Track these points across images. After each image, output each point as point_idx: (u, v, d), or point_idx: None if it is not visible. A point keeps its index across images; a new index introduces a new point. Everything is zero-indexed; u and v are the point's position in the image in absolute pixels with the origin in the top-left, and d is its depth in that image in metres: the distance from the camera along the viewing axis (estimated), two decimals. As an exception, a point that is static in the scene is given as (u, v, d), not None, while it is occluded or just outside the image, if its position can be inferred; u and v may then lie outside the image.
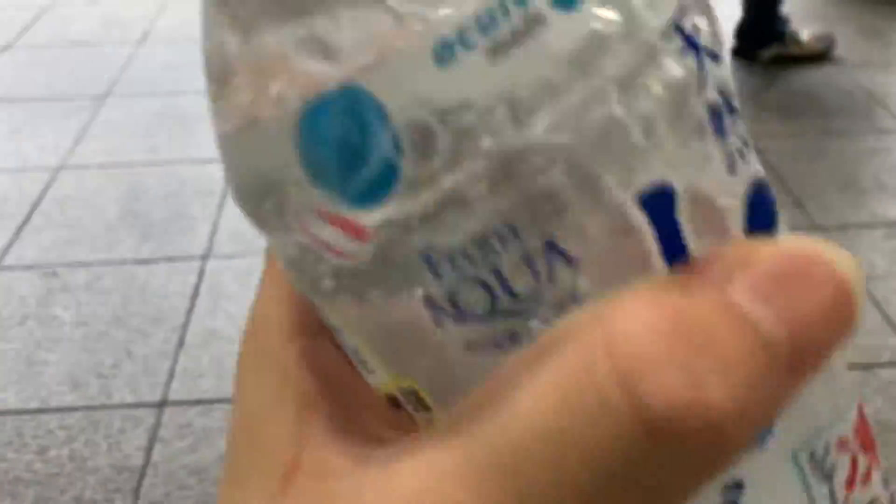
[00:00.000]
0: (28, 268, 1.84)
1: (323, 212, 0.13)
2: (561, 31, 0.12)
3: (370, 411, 0.16)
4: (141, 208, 2.04)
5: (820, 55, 2.68)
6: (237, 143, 0.15)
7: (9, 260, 1.86)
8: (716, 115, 0.13)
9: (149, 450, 1.41)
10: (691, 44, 0.13)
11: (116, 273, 1.83)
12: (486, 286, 0.13)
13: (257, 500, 0.15)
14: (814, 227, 1.93)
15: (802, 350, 0.12)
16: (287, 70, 0.13)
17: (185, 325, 1.68)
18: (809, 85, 2.58)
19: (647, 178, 0.13)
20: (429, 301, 0.13)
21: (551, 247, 0.12)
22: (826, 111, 2.43)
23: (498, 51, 0.12)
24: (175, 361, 1.59)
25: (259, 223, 0.15)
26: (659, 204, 0.13)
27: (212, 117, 0.16)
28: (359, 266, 0.13)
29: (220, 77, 0.16)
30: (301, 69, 0.13)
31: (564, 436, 0.11)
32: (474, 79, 0.12)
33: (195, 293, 1.76)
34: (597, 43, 0.12)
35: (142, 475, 1.37)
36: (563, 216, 0.12)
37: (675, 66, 0.13)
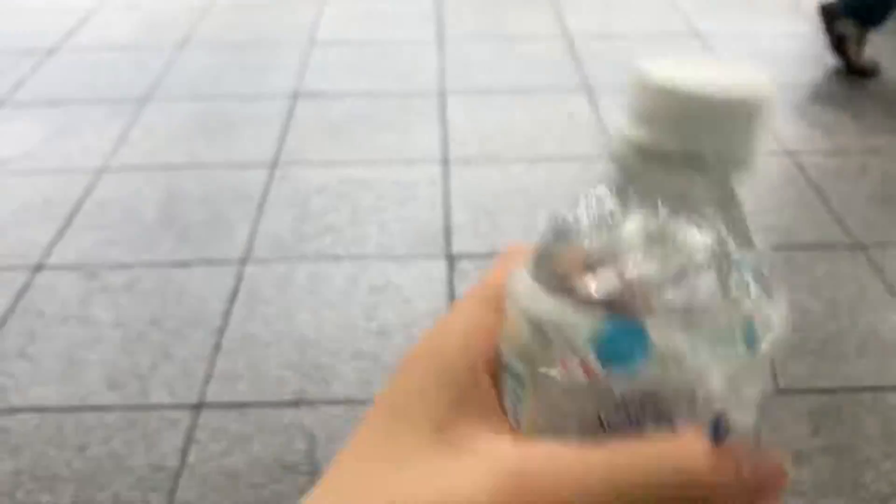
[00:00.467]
0: (70, 268, 1.87)
1: (585, 361, 0.22)
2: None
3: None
4: (180, 211, 2.06)
5: (864, 72, 2.67)
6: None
7: (51, 260, 1.89)
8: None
9: (184, 451, 1.43)
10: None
11: (155, 275, 1.85)
12: (628, 417, 0.23)
13: (412, 444, 0.23)
14: (855, 246, 1.90)
15: (760, 488, 0.23)
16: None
17: (222, 329, 1.69)
18: (853, 102, 2.55)
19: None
20: (600, 418, 0.23)
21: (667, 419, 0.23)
22: (870, 129, 2.40)
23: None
24: (212, 364, 1.60)
25: (534, 342, 0.24)
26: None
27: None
28: (569, 387, 0.23)
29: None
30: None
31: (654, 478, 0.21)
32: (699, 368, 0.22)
33: (233, 297, 1.77)
34: None
35: (177, 476, 1.38)
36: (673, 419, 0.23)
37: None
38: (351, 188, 2.13)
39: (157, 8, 3.33)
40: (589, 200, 0.23)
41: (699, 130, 0.22)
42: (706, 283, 0.22)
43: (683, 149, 0.22)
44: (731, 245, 0.22)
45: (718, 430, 0.23)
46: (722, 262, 0.22)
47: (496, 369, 0.25)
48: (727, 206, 0.23)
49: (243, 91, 2.63)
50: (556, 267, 0.23)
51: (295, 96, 2.60)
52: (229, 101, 2.57)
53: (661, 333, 0.22)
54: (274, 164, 2.24)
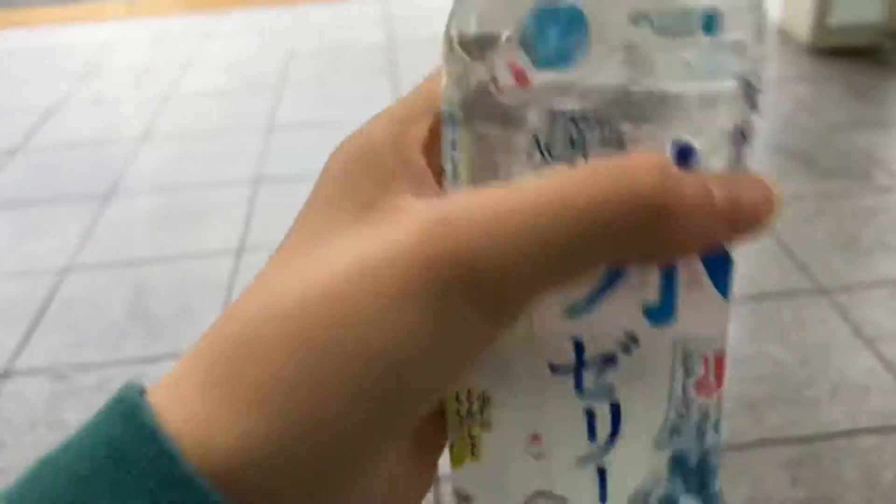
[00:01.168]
0: (37, 372, 1.85)
1: (511, 62, 0.19)
2: None
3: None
4: (148, 306, 2.05)
5: None
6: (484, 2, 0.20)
7: (18, 365, 1.87)
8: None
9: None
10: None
11: (126, 373, 1.83)
12: (571, 139, 0.20)
13: (345, 224, 0.21)
14: (819, 291, 1.93)
15: (734, 215, 0.20)
16: None
17: (194, 424, 1.67)
18: (803, 146, 2.61)
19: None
20: (535, 138, 0.20)
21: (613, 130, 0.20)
22: (823, 173, 2.46)
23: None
24: (185, 462, 1.58)
25: (465, 49, 0.20)
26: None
27: None
28: (505, 102, 0.20)
29: None
30: None
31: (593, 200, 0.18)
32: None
33: (204, 390, 1.76)
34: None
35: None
36: (622, 121, 0.19)
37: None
38: (318, 270, 2.14)
39: (116, 102, 3.37)
40: None
41: None
42: None
43: None
44: None
45: (685, 157, 0.19)
46: None
47: (432, 152, 0.22)
48: None
49: (206, 180, 2.65)
50: None
51: (258, 181, 2.62)
52: (192, 192, 2.58)
53: (604, 17, 0.18)
54: (240, 251, 2.25)
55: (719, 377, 0.20)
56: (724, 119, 0.19)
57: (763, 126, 2.83)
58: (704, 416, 0.21)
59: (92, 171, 2.77)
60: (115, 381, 1.80)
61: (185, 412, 0.19)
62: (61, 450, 0.20)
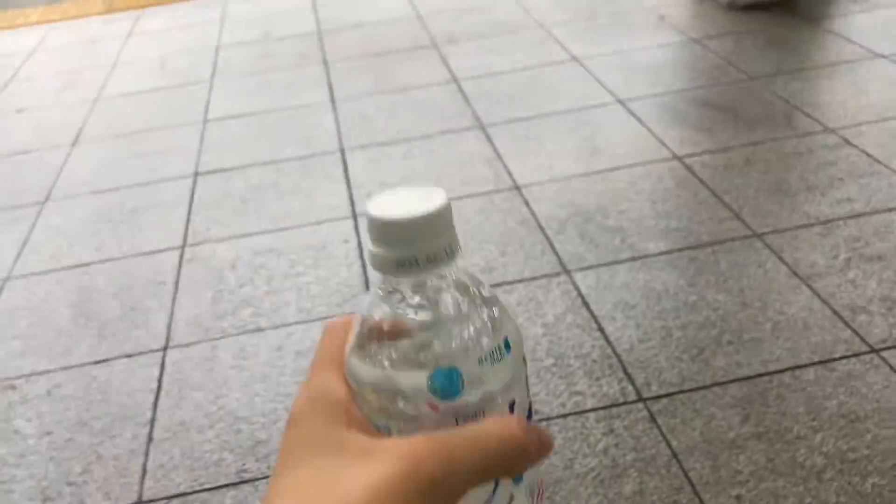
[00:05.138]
0: (-15, 385, 1.81)
1: (430, 402, 0.34)
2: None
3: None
4: (93, 309, 2.03)
5: None
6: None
7: (-36, 380, 1.83)
8: None
9: (130, 552, 1.39)
10: None
11: (76, 377, 1.81)
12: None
13: (330, 462, 0.32)
14: (753, 236, 2.00)
15: (538, 451, 0.35)
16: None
17: (152, 421, 1.66)
18: (728, 99, 2.68)
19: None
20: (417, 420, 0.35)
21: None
22: (749, 123, 2.53)
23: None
24: (146, 458, 1.57)
25: (391, 404, 0.35)
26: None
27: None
28: (417, 417, 0.34)
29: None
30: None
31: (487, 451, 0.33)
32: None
33: (159, 386, 1.75)
34: None
35: (126, 579, 1.35)
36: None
37: None
38: (264, 258, 2.14)
39: (44, 109, 3.29)
40: (375, 301, 0.35)
41: (408, 241, 0.34)
42: (476, 325, 0.35)
43: (404, 255, 0.34)
44: (476, 296, 0.36)
45: (513, 411, 0.36)
46: (474, 311, 0.35)
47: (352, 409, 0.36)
48: (459, 277, 0.35)
49: (143, 178, 2.61)
50: (380, 350, 0.35)
51: (195, 175, 2.59)
52: (130, 191, 2.54)
53: (466, 369, 0.34)
54: (183, 247, 2.23)
55: (542, 492, 0.38)
56: (521, 377, 0.37)
57: (690, 82, 2.90)
58: None
59: (24, 180, 2.71)
60: (65, 387, 1.78)
61: None
62: None
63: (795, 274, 1.85)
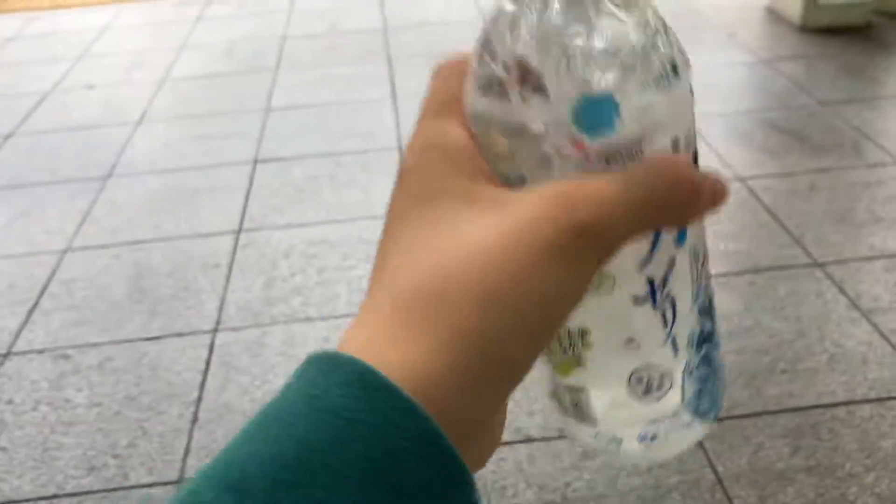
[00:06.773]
0: (39, 352, 1.85)
1: (575, 139, 0.27)
2: None
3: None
4: (148, 285, 2.06)
5: None
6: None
7: (20, 345, 1.87)
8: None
9: (169, 529, 1.40)
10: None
11: (127, 352, 1.84)
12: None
13: (457, 212, 0.27)
14: (814, 265, 1.95)
15: (712, 199, 0.28)
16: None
17: (198, 401, 1.68)
18: (796, 124, 2.63)
19: None
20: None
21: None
22: (816, 149, 2.47)
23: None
24: (190, 438, 1.59)
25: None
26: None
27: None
28: (559, 160, 0.27)
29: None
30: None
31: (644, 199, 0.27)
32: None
33: (206, 367, 1.77)
34: None
35: (163, 555, 1.36)
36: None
37: None
38: (317, 249, 2.15)
39: (112, 86, 3.35)
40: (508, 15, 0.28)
41: None
42: (637, 40, 0.27)
43: None
44: (648, 15, 0.28)
45: (677, 150, 0.29)
46: (636, 21, 0.28)
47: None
48: None
49: (203, 162, 2.64)
50: (508, 78, 0.28)
51: (255, 162, 2.62)
52: (190, 173, 2.58)
53: (623, 97, 0.27)
54: (238, 231, 2.25)
55: (706, 257, 0.33)
56: (688, 113, 0.30)
57: (757, 103, 2.85)
58: (707, 282, 0.33)
59: (89, 154, 2.76)
60: (116, 360, 1.81)
61: (394, 358, 0.24)
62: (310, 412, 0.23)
63: (856, 306, 1.81)
